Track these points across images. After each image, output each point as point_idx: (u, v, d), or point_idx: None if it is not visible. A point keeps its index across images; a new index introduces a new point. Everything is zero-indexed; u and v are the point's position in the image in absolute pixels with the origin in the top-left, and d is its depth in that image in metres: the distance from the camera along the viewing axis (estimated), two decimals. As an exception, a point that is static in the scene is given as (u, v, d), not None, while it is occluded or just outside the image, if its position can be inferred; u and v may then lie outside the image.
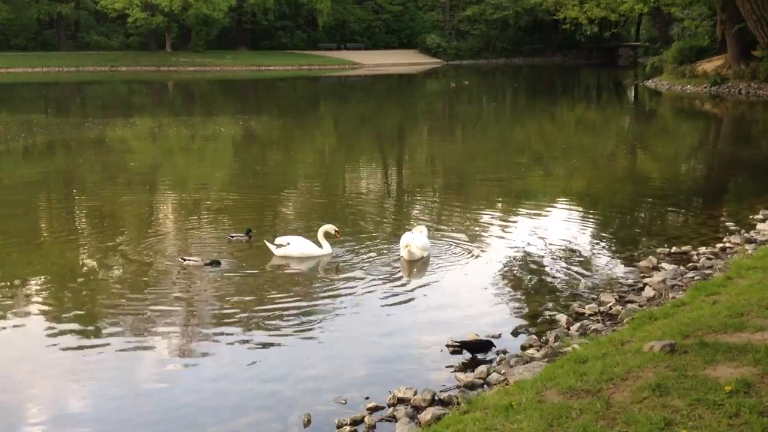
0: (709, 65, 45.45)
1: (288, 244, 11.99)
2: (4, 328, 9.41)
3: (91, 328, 9.27)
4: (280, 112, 39.11)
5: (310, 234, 12.56)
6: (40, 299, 10.35)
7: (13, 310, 9.93)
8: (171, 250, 12.63)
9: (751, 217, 14.29)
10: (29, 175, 20.78)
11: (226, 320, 9.40)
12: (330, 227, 12.17)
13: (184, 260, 11.58)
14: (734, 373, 5.85)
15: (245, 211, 15.69)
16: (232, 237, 12.95)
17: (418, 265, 11.62)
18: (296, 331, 9.04)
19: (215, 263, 11.47)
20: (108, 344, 8.73)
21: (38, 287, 10.86)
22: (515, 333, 8.92)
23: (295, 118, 36.41)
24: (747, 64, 42.13)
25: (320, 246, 12.09)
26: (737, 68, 42.53)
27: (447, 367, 7.99)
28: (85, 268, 11.46)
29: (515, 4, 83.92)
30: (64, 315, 9.73)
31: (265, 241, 12.21)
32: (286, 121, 34.66)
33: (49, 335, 9.10)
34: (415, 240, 11.68)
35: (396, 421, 6.68)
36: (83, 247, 12.77)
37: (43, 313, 9.84)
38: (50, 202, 17.55)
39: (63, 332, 9.16)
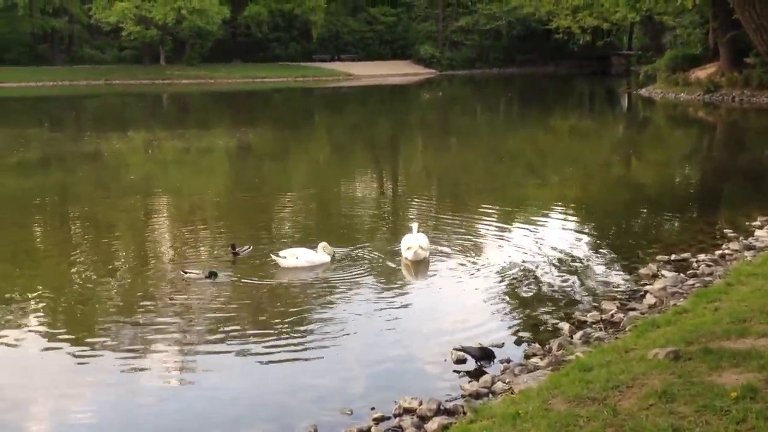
0: (702, 73, 45.63)
1: (296, 257, 11.94)
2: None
3: (89, 344, 9.18)
4: (276, 124, 39.13)
5: (307, 244, 12.59)
6: (36, 316, 10.23)
7: (9, 327, 9.82)
8: (171, 263, 12.61)
9: (748, 223, 14.32)
10: (25, 189, 20.74)
11: (227, 333, 9.37)
12: (324, 244, 12.15)
13: (185, 273, 11.55)
14: (740, 379, 5.87)
15: (243, 221, 15.68)
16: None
17: (419, 272, 11.64)
18: (299, 343, 9.03)
19: (213, 274, 11.44)
20: (108, 360, 8.68)
21: (34, 303, 10.71)
22: (518, 342, 8.94)
23: (290, 129, 36.44)
24: (740, 72, 42.28)
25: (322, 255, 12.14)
26: (730, 76, 42.68)
27: (451, 376, 8.00)
28: (82, 283, 11.38)
29: (508, 14, 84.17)
30: (61, 331, 9.67)
31: (271, 254, 12.20)
32: (281, 133, 34.69)
33: (47, 352, 9.02)
34: (419, 240, 11.72)
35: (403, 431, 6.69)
36: (80, 261, 12.66)
37: (40, 329, 9.73)
38: (46, 217, 17.48)
39: (61, 349, 9.09)
